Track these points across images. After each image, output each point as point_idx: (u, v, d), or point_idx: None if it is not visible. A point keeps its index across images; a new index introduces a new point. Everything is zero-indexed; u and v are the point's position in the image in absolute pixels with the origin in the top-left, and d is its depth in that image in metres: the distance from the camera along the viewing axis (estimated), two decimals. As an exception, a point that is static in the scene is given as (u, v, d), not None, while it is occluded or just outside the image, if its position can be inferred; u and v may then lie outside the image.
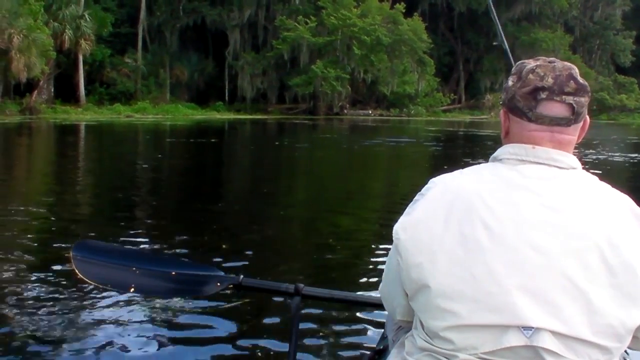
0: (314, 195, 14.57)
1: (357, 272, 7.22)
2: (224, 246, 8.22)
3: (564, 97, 1.73)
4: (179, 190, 14.81)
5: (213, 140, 33.77)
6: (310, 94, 66.13)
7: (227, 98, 68.90)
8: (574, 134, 1.79)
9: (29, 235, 8.61)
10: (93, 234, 8.56)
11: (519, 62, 1.86)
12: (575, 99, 1.74)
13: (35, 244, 8.07)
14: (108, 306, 5.50)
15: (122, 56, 64.22)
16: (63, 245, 7.59)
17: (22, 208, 10.94)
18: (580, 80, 1.75)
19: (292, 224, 10.53)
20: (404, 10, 67.24)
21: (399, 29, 66.63)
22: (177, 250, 7.76)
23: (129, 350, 4.68)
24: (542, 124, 1.75)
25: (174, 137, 35.41)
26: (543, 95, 1.73)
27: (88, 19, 56.42)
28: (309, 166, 21.95)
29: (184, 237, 8.65)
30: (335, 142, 33.14)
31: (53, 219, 10.06)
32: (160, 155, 24.21)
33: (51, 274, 6.48)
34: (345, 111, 67.53)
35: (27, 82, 50.28)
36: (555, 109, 1.74)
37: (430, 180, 1.85)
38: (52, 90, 57.88)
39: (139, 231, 9.08)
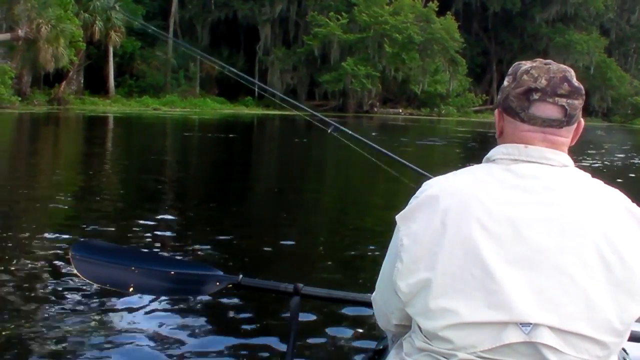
0: (321, 194, 14.28)
1: (357, 271, 7.19)
2: (224, 245, 8.19)
3: (556, 98, 1.74)
4: (184, 187, 14.53)
5: (231, 135, 33.37)
6: (340, 91, 65.17)
7: (256, 93, 67.92)
8: (566, 136, 1.80)
9: (38, 228, 8.62)
10: (91, 228, 8.77)
11: (516, 63, 1.87)
12: (568, 101, 1.75)
13: (41, 239, 7.99)
14: (107, 305, 5.52)
15: (152, 49, 63.61)
16: (67, 240, 7.69)
17: (33, 198, 11.27)
18: (575, 83, 1.77)
19: (293, 224, 10.30)
20: (436, 9, 66.15)
21: (431, 27, 65.50)
22: (177, 246, 7.88)
23: (128, 350, 4.69)
24: (534, 124, 1.77)
25: (193, 131, 35.19)
26: (536, 96, 1.75)
27: (119, 11, 55.75)
28: (325, 165, 21.40)
29: (184, 235, 8.67)
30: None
31: (60, 212, 10.19)
32: (172, 150, 24.03)
33: (53, 270, 6.54)
34: (375, 109, 66.48)
35: (57, 72, 50.21)
36: (547, 110, 1.75)
37: (425, 182, 1.85)
38: (82, 81, 57.51)
39: (138, 228, 8.96)
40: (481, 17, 79.84)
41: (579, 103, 1.76)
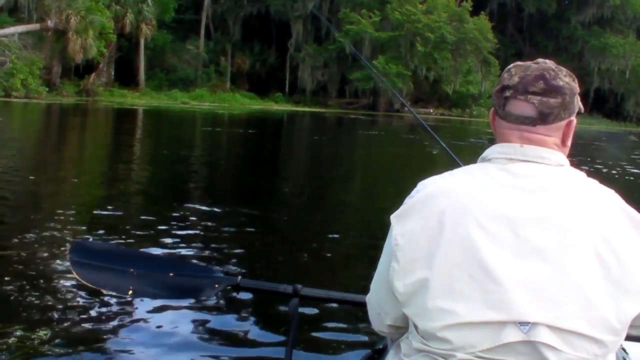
0: (325, 196, 13.70)
1: (357, 272, 6.93)
2: (223, 246, 7.93)
3: (528, 96, 1.73)
4: (189, 184, 13.97)
5: (251, 131, 32.69)
6: (371, 89, 64.01)
7: (287, 89, 67.35)
8: (545, 134, 1.76)
9: (43, 223, 8.35)
10: (93, 223, 8.65)
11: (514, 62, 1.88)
12: (542, 99, 1.73)
13: (45, 236, 7.67)
14: (106, 307, 5.39)
15: (184, 43, 63.22)
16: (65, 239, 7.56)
17: (42, 190, 11.35)
18: (554, 82, 1.73)
19: (295, 224, 10.00)
20: (470, 9, 64.72)
21: (465, 27, 64.05)
22: (176, 245, 7.65)
23: (127, 351, 4.61)
24: (509, 121, 1.77)
25: (213, 126, 34.59)
26: (508, 93, 1.76)
27: (150, 4, 55.54)
28: (339, 165, 20.39)
29: (183, 235, 8.27)
30: (384, 141, 31.24)
31: (63, 206, 9.79)
32: (187, 145, 23.37)
33: (56, 266, 6.42)
34: (406, 109, 64.91)
35: (87, 64, 49.88)
36: (519, 107, 1.75)
37: (420, 182, 1.83)
38: (113, 73, 57.09)
39: (139, 225, 8.77)
40: (516, 18, 78.12)
41: (555, 102, 1.72)
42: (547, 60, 1.80)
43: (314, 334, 5.03)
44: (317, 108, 62.52)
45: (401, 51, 63.52)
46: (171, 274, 2.83)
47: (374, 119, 52.56)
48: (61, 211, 9.24)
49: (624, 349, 2.23)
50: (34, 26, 45.69)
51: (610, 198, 1.73)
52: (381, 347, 2.41)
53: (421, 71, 63.93)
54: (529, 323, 1.57)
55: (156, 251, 7.23)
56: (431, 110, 67.07)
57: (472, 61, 66.51)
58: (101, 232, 8.14)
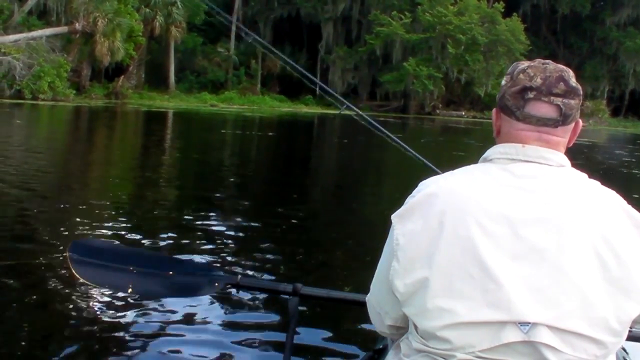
0: (335, 197, 13.68)
1: (356, 272, 6.90)
2: (224, 244, 7.98)
3: (551, 98, 1.72)
4: (201, 187, 13.71)
5: (270, 133, 32.12)
6: (402, 91, 62.80)
7: (317, 92, 66.26)
8: (562, 136, 1.76)
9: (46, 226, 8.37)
10: (91, 222, 8.60)
11: (515, 62, 1.86)
12: (564, 100, 1.72)
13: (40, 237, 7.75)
14: (105, 305, 5.35)
15: (214, 45, 62.69)
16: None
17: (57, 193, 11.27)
18: (572, 83, 1.74)
19: (292, 224, 9.86)
20: (502, 10, 63.14)
21: (497, 28, 62.54)
22: (176, 244, 7.65)
23: (125, 350, 4.58)
24: (529, 123, 1.74)
25: (232, 129, 33.95)
26: (531, 95, 1.73)
27: (180, 7, 54.76)
28: (359, 168, 19.58)
29: (183, 234, 8.28)
30: (412, 143, 29.24)
31: (68, 206, 9.88)
32: (199, 148, 22.98)
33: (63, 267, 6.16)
34: (438, 111, 63.78)
35: (117, 67, 49.31)
36: (542, 109, 1.73)
37: (421, 182, 1.82)
38: (143, 76, 56.43)
39: (136, 226, 8.65)
40: (549, 20, 76.19)
41: (575, 103, 1.73)
42: (550, 61, 1.76)
43: (313, 333, 5.02)
44: (347, 110, 61.47)
45: (432, 53, 62.34)
46: (171, 273, 2.77)
47: (404, 122, 51.39)
48: (82, 207, 9.60)
49: (624, 349, 2.22)
50: (62, 29, 45.14)
51: (611, 199, 1.70)
52: (381, 347, 2.38)
53: (452, 73, 62.71)
54: (529, 323, 1.55)
55: (159, 249, 7.29)
56: (463, 113, 65.61)
57: (505, 63, 64.56)
58: (107, 225, 8.34)
